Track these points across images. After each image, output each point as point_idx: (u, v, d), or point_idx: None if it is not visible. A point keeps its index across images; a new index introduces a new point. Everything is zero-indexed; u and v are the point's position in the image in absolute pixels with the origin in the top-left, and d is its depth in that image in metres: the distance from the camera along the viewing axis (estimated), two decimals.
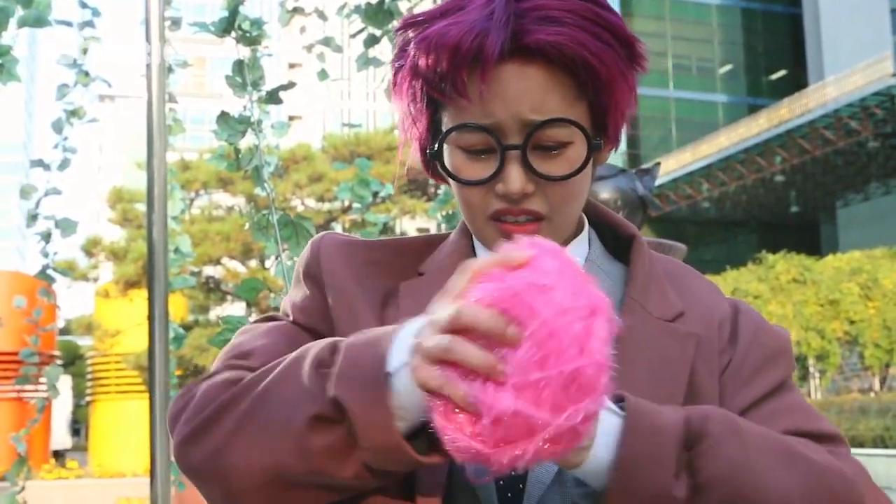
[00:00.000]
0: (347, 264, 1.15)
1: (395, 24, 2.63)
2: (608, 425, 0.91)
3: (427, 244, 1.20)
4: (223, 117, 2.41)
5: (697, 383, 1.07)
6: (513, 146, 1.02)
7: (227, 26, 2.40)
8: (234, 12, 2.39)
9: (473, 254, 1.15)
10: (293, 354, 0.99)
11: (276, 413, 0.94)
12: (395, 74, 1.09)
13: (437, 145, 1.06)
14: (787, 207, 44.04)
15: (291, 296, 1.19)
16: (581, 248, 1.15)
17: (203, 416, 0.99)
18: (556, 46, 0.97)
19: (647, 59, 1.05)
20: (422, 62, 1.02)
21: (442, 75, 1.01)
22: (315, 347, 0.97)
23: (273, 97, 2.49)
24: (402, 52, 1.07)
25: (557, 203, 1.05)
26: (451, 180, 1.08)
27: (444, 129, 1.06)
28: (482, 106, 1.01)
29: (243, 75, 2.45)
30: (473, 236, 1.16)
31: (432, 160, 1.09)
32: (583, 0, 1.00)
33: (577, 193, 1.07)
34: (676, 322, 1.10)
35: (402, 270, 1.15)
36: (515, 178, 1.02)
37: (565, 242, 1.12)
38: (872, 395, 23.04)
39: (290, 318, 1.16)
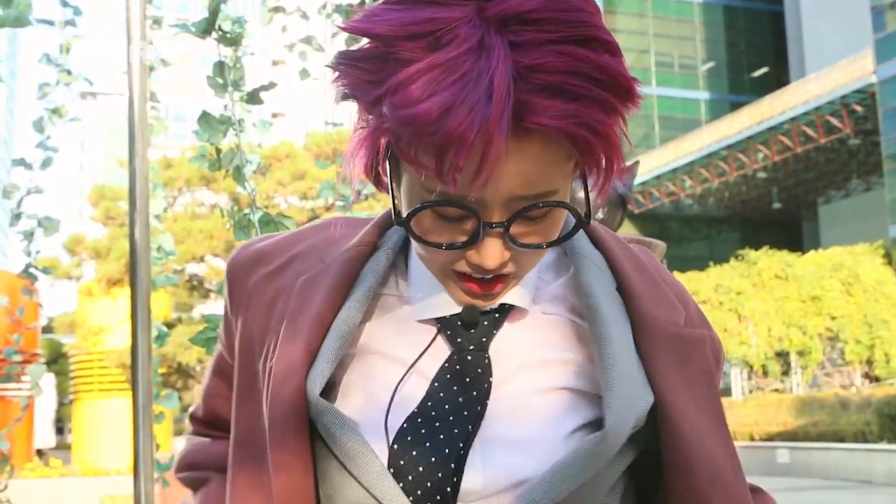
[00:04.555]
0: (253, 278, 1.09)
1: None
2: None
3: (348, 226, 1.11)
4: (204, 117, 2.41)
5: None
6: (496, 224, 0.89)
7: (207, 27, 2.41)
8: (214, 13, 2.40)
9: (369, 255, 1.06)
10: None
11: None
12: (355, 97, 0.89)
13: (409, 215, 0.91)
14: (769, 204, 44.29)
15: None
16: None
17: None
18: (561, 129, 0.82)
19: (641, 98, 0.89)
20: (404, 136, 0.84)
21: (424, 160, 0.84)
22: None
23: (254, 97, 2.50)
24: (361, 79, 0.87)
25: (530, 263, 0.96)
26: (413, 240, 0.94)
27: (402, 172, 0.92)
28: (466, 183, 0.85)
29: (224, 76, 2.46)
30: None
31: (396, 217, 0.95)
32: (584, 47, 0.83)
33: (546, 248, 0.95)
34: (687, 326, 1.05)
35: (307, 260, 1.07)
36: (493, 254, 0.90)
37: None
38: (853, 390, 23.22)
39: (220, 343, 1.18)
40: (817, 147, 37.74)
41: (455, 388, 0.97)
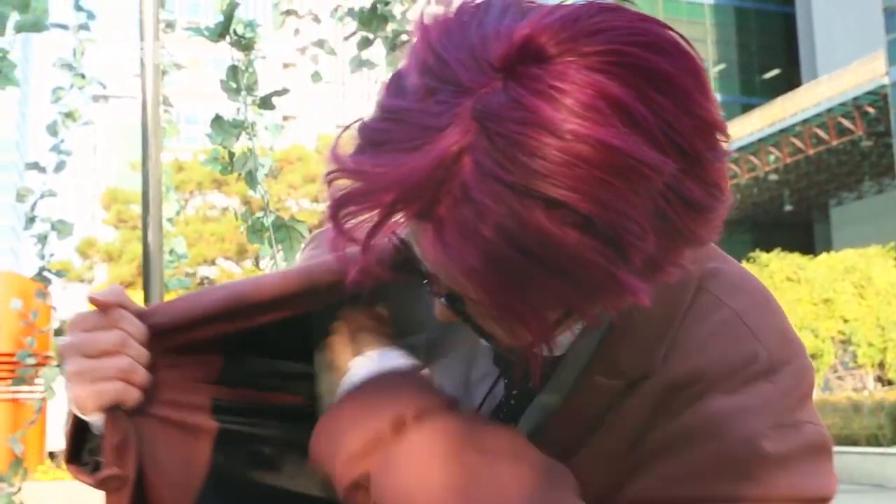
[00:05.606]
0: None
1: (390, 28, 2.65)
2: None
3: None
4: (217, 121, 2.43)
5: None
6: (434, 293, 0.83)
7: (221, 31, 2.42)
8: (229, 17, 2.41)
9: None
10: None
11: None
12: None
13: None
14: (780, 206, 44.13)
15: None
16: None
17: None
18: (448, 275, 0.75)
19: (615, 292, 0.72)
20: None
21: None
22: None
23: (267, 102, 2.51)
24: None
25: None
26: None
27: None
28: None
29: (237, 80, 2.47)
30: None
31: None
32: (544, 210, 0.67)
33: None
34: (633, 388, 0.88)
35: None
36: (438, 310, 0.86)
37: None
38: (866, 393, 23.12)
39: None
40: (829, 149, 37.59)
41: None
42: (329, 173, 0.75)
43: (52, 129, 3.65)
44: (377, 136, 0.72)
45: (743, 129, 40.10)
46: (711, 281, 0.92)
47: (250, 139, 2.48)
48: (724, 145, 0.74)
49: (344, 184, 0.73)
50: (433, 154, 0.68)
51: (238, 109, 2.51)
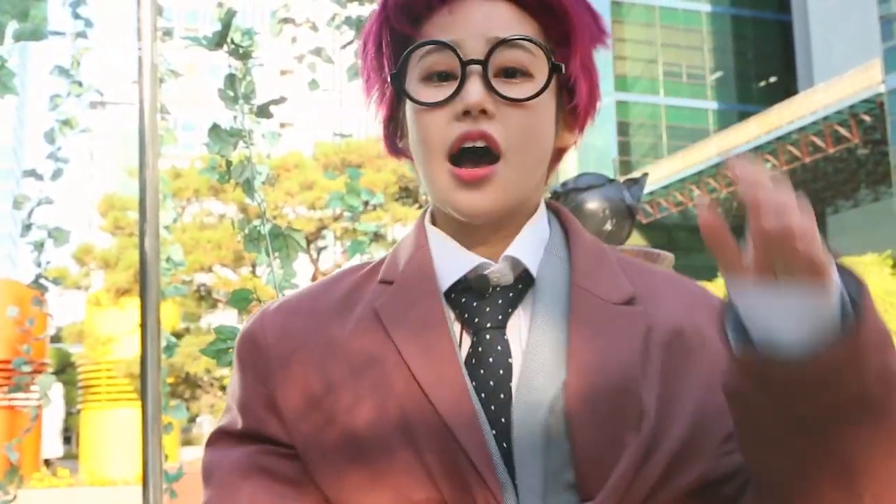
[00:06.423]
0: (292, 327, 1.04)
1: None
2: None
3: (365, 267, 1.10)
4: (215, 130, 2.43)
5: (652, 370, 0.96)
6: (475, 61, 0.98)
7: (219, 40, 2.42)
8: (227, 25, 2.41)
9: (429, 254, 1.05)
10: None
11: None
12: (363, 42, 1.08)
13: (398, 64, 1.02)
14: None
15: (233, 386, 1.06)
16: (540, 228, 1.06)
17: None
18: None
19: (607, 35, 1.05)
20: (385, 3, 1.03)
21: (405, 9, 1.01)
22: None
23: (264, 111, 2.52)
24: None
25: (516, 136, 0.98)
26: (411, 110, 1.02)
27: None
28: (445, 30, 1.00)
29: (235, 89, 2.47)
30: (428, 219, 1.09)
31: (397, 95, 1.06)
32: None
33: (536, 133, 1.00)
34: (628, 305, 1.01)
35: (357, 291, 1.06)
36: (475, 90, 0.97)
37: (524, 219, 1.04)
38: None
39: (240, 425, 1.02)
40: (825, 157, 37.68)
41: (482, 371, 0.97)
42: None
43: (50, 137, 3.65)
44: None
45: (739, 137, 40.18)
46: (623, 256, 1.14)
47: (247, 147, 2.48)
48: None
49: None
50: None
51: (235, 118, 2.51)
